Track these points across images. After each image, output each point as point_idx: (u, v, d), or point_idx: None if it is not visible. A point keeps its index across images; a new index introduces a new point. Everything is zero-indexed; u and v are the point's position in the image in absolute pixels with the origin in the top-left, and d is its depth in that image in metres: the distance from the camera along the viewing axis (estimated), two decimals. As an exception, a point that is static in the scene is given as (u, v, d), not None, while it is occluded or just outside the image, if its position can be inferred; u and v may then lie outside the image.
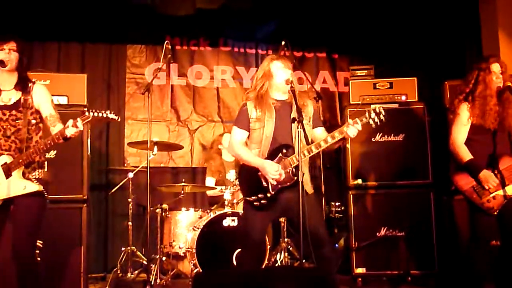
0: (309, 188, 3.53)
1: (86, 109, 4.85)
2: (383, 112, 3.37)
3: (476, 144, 3.76)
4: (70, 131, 3.28)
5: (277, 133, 3.53)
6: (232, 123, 3.72)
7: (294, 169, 3.41)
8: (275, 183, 3.42)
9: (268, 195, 3.45)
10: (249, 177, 3.54)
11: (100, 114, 3.28)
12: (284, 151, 3.49)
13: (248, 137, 3.63)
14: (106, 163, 6.33)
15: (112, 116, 3.33)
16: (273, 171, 3.41)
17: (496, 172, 3.70)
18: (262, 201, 3.46)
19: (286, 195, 3.47)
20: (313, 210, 3.46)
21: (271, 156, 3.51)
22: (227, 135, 5.93)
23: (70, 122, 3.28)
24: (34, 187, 3.41)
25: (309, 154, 3.43)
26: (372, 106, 3.47)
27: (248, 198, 3.51)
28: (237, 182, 5.05)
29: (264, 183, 3.47)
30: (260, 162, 3.47)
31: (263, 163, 3.46)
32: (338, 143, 3.48)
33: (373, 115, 3.37)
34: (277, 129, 3.54)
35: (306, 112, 3.56)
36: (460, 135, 3.78)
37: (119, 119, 3.41)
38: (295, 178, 3.35)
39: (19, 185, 3.38)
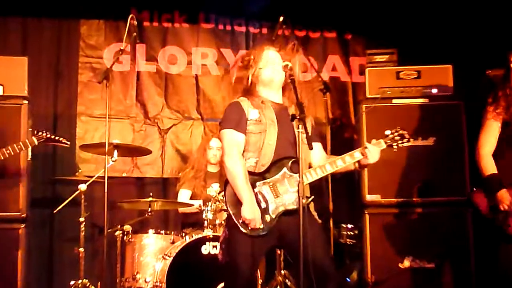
0: (312, 210, 3.57)
1: (26, 101, 4.84)
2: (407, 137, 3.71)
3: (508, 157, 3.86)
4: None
5: (280, 141, 3.60)
6: (221, 124, 3.70)
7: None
8: (244, 231, 3.44)
9: (268, 218, 3.46)
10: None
11: (53, 137, 4.00)
12: (289, 165, 3.54)
13: None
14: (52, 172, 6.30)
15: (64, 141, 4.06)
16: (249, 215, 3.41)
17: None
18: (259, 227, 3.44)
19: (286, 219, 3.49)
20: (318, 237, 3.49)
21: (273, 170, 3.56)
22: (215, 140, 5.87)
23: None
24: None
25: (311, 178, 3.56)
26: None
27: (238, 222, 3.46)
28: (220, 197, 5.03)
29: (263, 203, 3.48)
30: (246, 197, 3.45)
31: (247, 201, 3.44)
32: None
33: (397, 137, 3.70)
34: (280, 137, 3.60)
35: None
36: (488, 144, 3.91)
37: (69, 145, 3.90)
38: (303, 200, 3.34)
39: None
